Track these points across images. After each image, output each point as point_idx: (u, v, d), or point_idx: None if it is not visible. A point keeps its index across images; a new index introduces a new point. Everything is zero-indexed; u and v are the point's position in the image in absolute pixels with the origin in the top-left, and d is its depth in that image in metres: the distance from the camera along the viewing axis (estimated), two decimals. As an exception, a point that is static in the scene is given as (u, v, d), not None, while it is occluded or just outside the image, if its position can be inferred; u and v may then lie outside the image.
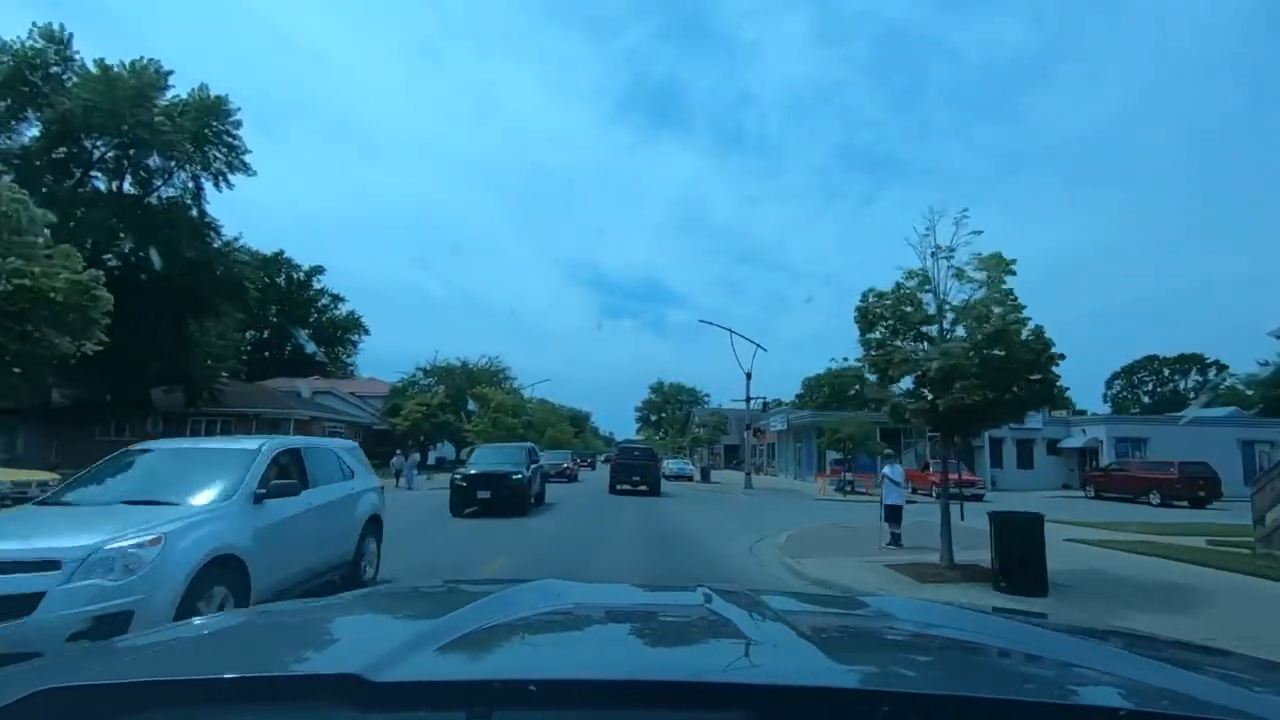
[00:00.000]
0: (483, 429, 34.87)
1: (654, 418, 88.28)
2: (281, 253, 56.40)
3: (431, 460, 45.34)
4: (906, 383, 9.55)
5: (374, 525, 7.94)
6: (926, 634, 1.53)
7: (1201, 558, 10.48)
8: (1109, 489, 27.87)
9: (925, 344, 9.11)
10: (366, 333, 64.69)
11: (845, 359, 10.05)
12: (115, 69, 28.10)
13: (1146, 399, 66.08)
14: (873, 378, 9.85)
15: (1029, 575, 8.01)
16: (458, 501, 16.25)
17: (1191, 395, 60.35)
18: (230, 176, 31.89)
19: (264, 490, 5.62)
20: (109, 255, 28.34)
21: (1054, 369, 8.78)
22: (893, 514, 11.95)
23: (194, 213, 31.82)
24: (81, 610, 3.99)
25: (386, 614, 1.72)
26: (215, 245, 32.68)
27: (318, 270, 60.16)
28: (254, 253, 41.37)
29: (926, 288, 9.18)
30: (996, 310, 8.56)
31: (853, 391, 43.95)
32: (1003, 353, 8.41)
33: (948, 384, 8.43)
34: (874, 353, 9.41)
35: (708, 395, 78.03)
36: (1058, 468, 36.36)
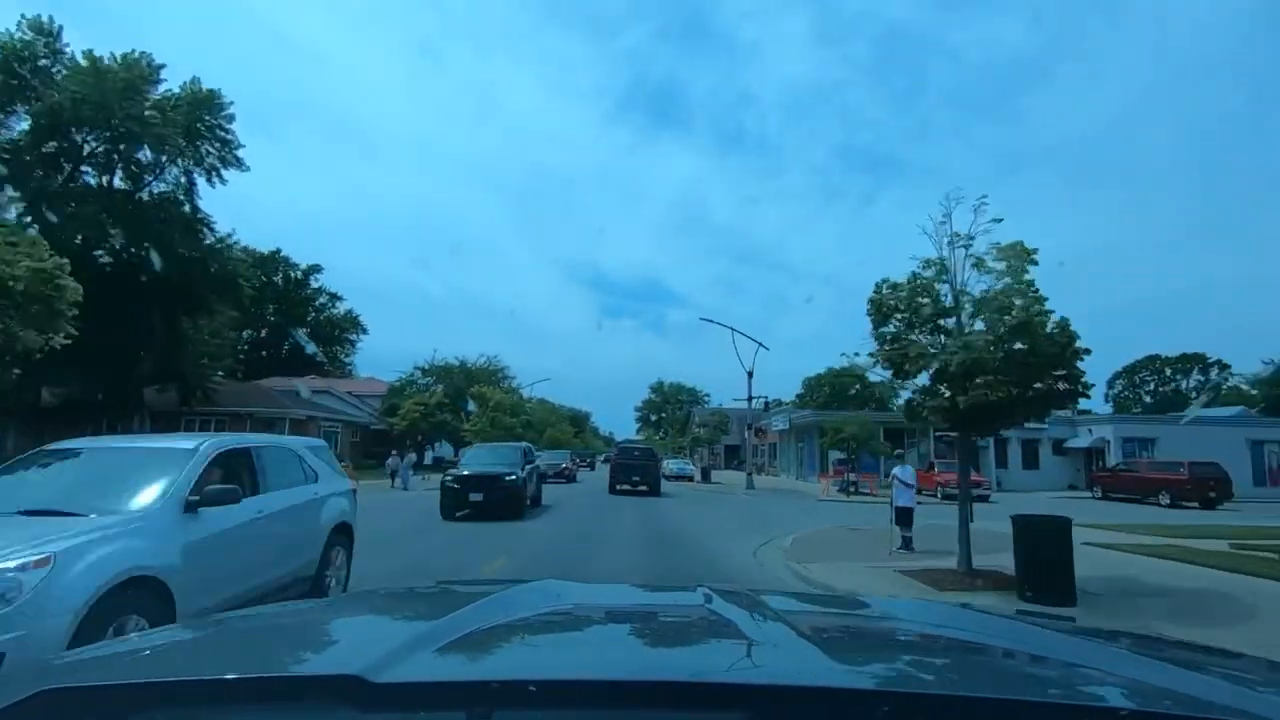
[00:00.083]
0: (481, 429, 34.59)
1: (654, 418, 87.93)
2: (279, 251, 56.08)
3: (429, 460, 44.97)
4: (921, 379, 9.09)
5: (342, 534, 7.01)
6: (927, 634, 1.52)
7: (1232, 564, 10.01)
8: (1117, 489, 27.44)
9: (943, 337, 8.64)
10: (365, 332, 64.42)
11: (856, 354, 9.48)
12: (105, 61, 27.57)
13: (1148, 399, 65.83)
14: (885, 374, 9.34)
15: (1056, 583, 7.52)
16: (448, 504, 15.49)
17: (1193, 395, 60.13)
18: (223, 172, 31.33)
19: (197, 497, 4.77)
20: (100, 251, 27.74)
21: (1078, 364, 8.36)
22: (904, 517, 11.52)
23: (186, 208, 31.21)
24: None
25: (386, 614, 1.73)
26: (209, 242, 32.10)
27: (315, 269, 59.67)
28: (249, 250, 40.85)
29: (944, 278, 8.71)
30: (1018, 302, 8.12)
31: (853, 391, 43.45)
32: (1027, 346, 7.96)
33: (969, 379, 7.97)
34: (888, 347, 8.93)
35: (708, 395, 77.73)
36: (1064, 468, 35.93)
